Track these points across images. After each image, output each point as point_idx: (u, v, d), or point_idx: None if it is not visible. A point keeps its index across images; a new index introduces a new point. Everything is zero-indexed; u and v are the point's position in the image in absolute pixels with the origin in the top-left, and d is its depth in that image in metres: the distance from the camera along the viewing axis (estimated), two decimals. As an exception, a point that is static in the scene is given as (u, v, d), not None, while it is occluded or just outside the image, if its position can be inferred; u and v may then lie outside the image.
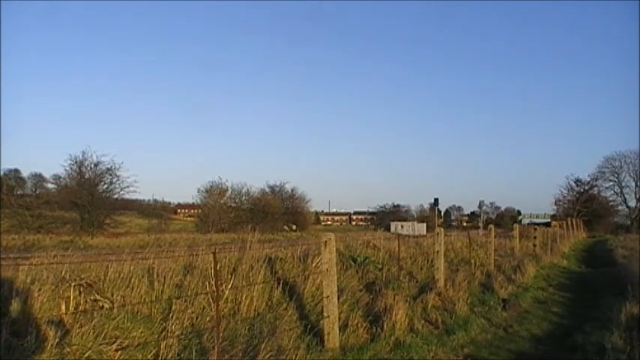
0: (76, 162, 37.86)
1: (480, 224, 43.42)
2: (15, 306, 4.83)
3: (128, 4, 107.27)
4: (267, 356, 4.93)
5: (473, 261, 12.63)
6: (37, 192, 49.43)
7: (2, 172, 49.54)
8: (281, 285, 7.04)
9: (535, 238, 18.56)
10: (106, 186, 38.60)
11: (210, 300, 5.91)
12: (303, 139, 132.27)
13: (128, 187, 38.76)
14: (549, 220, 43.22)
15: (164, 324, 5.32)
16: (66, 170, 38.56)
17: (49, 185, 46.05)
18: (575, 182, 59.08)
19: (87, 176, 38.08)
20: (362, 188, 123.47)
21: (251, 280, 6.81)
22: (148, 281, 6.23)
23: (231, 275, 6.85)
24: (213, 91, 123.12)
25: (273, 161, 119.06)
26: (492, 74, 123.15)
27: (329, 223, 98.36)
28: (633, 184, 57.61)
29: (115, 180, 38.39)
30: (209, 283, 6.23)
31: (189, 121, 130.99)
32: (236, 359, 4.93)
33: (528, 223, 37.40)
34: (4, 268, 5.57)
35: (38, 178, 55.12)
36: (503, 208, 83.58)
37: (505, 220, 65.72)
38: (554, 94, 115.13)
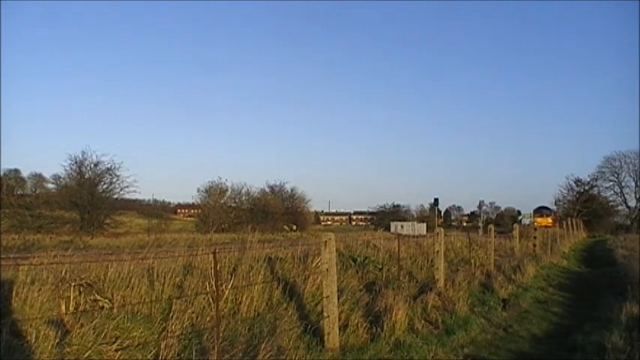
0: (75, 162, 37.89)
1: (480, 224, 43.08)
2: (15, 306, 4.83)
3: (128, 3, 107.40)
4: (267, 356, 4.92)
5: (473, 261, 12.63)
6: (37, 192, 49.44)
7: (2, 172, 49.60)
8: (281, 285, 7.04)
9: (535, 238, 18.58)
10: (105, 186, 38.60)
11: (210, 300, 5.92)
12: (303, 139, 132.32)
13: (128, 187, 38.73)
14: (531, 220, 40.36)
15: (164, 324, 5.33)
16: (66, 170, 38.59)
17: (49, 185, 46.19)
18: (575, 182, 59.01)
19: (87, 176, 38.05)
20: (362, 188, 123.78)
21: (251, 280, 6.81)
22: (148, 281, 6.23)
23: (231, 275, 6.86)
24: (213, 91, 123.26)
25: (273, 161, 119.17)
26: (492, 74, 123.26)
27: (329, 223, 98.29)
28: (633, 184, 57.57)
29: (114, 180, 38.37)
30: (209, 283, 6.23)
31: (189, 121, 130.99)
32: (236, 359, 4.93)
33: (528, 224, 37.17)
34: (4, 268, 5.57)
35: (38, 178, 55.27)
36: (503, 208, 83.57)
37: (505, 220, 65.67)
38: (554, 94, 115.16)
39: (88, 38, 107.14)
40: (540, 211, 47.90)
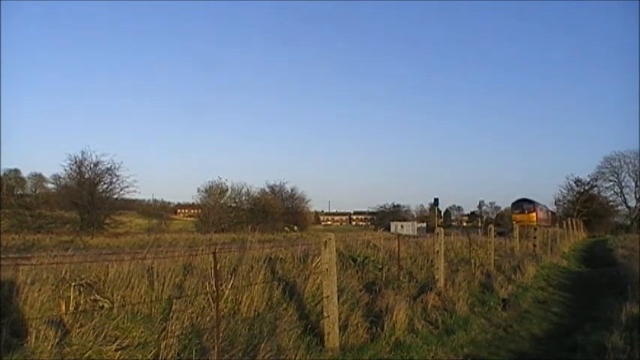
0: (75, 162, 37.82)
1: (480, 224, 42.62)
2: (15, 306, 4.83)
3: (128, 4, 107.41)
4: (267, 356, 4.92)
5: (473, 261, 12.63)
6: (37, 192, 49.45)
7: (2, 172, 49.58)
8: (281, 285, 7.03)
9: (535, 238, 18.57)
10: (105, 186, 38.54)
11: (210, 300, 5.91)
12: (303, 139, 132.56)
13: (128, 187, 38.66)
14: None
15: (164, 324, 5.32)
16: (66, 170, 38.54)
17: (49, 185, 46.24)
18: (575, 182, 59.07)
19: (87, 176, 37.99)
20: (362, 188, 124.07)
21: (251, 280, 6.81)
22: (148, 281, 6.23)
23: (231, 275, 6.85)
24: (213, 91, 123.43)
25: (273, 161, 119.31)
26: (492, 74, 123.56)
27: (329, 223, 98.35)
28: (633, 184, 57.72)
29: (114, 180, 38.30)
30: (209, 283, 6.23)
31: (189, 121, 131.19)
32: (236, 359, 4.93)
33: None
34: (4, 268, 5.57)
35: (38, 178, 55.37)
36: (503, 208, 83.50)
37: (505, 220, 65.63)
38: (555, 94, 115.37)
39: (87, 38, 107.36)
40: (520, 205, 37.57)
